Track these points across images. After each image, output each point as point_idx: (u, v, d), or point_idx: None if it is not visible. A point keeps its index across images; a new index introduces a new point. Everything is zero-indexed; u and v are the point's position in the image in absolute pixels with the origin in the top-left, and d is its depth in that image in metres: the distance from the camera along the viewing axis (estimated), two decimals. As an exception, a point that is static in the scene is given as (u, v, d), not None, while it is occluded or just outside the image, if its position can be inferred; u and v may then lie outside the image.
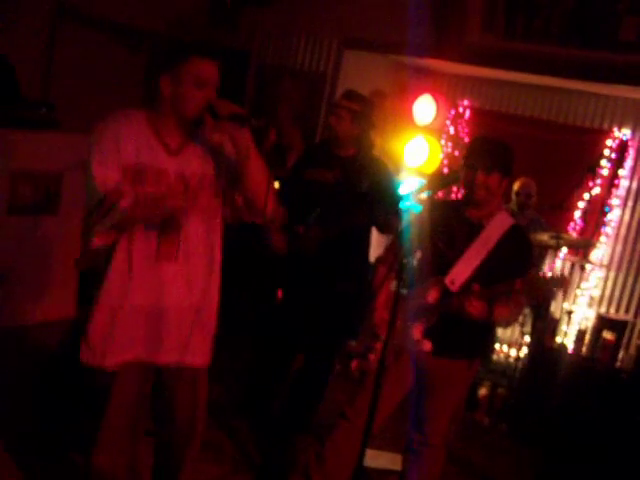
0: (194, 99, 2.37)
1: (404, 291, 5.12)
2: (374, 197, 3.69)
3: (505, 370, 5.22)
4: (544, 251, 5.21)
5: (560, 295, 5.54)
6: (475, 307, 2.94)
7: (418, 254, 3.26)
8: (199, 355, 2.61)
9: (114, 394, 2.59)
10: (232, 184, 2.53)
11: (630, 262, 5.55)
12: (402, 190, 3.68)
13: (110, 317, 2.48)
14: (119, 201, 2.28)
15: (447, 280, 3.02)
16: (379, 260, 3.44)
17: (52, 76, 5.27)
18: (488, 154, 3.03)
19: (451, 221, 3.18)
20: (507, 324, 3.29)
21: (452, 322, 3.04)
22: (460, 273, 3.04)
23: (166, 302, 2.50)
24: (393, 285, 2.97)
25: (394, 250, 3.25)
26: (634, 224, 5.54)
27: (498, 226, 3.07)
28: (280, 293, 3.89)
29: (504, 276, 2.96)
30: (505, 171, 3.04)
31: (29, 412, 3.67)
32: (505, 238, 3.05)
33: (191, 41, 2.44)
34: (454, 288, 3.01)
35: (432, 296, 3.05)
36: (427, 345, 3.06)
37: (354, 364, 3.22)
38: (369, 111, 3.81)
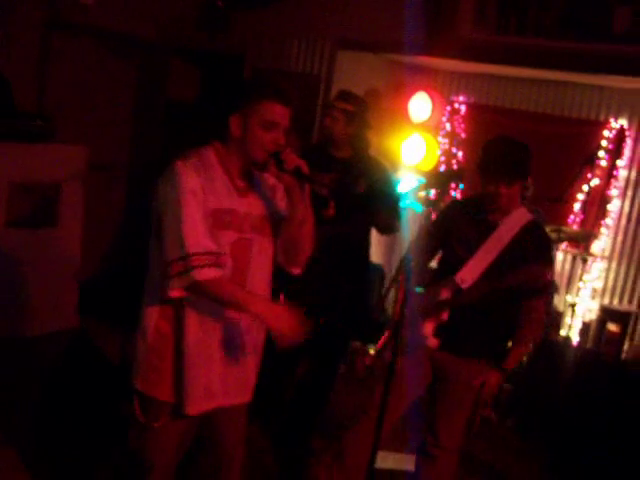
0: (262, 141, 2.34)
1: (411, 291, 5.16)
2: (372, 197, 3.67)
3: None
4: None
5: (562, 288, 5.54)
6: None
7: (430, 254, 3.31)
8: (250, 390, 2.62)
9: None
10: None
11: (632, 252, 5.54)
12: (401, 189, 3.69)
13: (197, 362, 2.41)
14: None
15: (457, 278, 3.03)
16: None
17: (46, 87, 5.26)
18: (510, 165, 2.96)
19: (466, 220, 3.17)
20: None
21: (467, 321, 3.05)
22: (470, 271, 3.04)
23: (237, 344, 2.48)
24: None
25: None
26: (634, 214, 5.54)
27: (514, 223, 3.05)
28: (282, 298, 3.87)
29: (522, 279, 2.94)
30: (525, 176, 3.04)
31: (32, 423, 3.66)
32: (521, 235, 3.03)
33: (266, 83, 2.40)
34: (464, 286, 3.02)
35: (444, 294, 3.05)
36: (433, 341, 3.07)
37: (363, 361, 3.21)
38: (364, 111, 3.80)
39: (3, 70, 4.70)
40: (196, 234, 2.25)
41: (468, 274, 3.03)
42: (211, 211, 2.32)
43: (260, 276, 2.49)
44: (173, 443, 2.51)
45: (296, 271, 2.61)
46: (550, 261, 3.17)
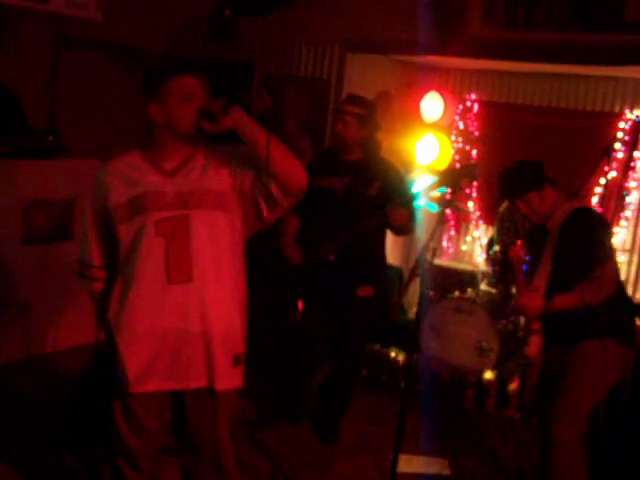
0: (185, 115, 2.43)
1: (428, 292, 5.14)
2: (386, 199, 3.66)
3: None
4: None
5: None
6: (526, 302, 3.13)
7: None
8: (225, 378, 2.55)
9: (139, 421, 2.58)
10: (261, 176, 2.48)
11: (653, 244, 5.47)
12: (415, 189, 3.67)
13: (136, 345, 2.47)
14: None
15: (532, 288, 3.19)
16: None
17: (58, 103, 5.28)
18: (509, 184, 3.33)
19: (531, 231, 3.50)
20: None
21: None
22: (540, 278, 3.22)
23: (182, 325, 2.46)
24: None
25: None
26: (654, 205, 5.47)
27: (557, 220, 3.21)
28: (300, 304, 3.87)
29: (581, 267, 3.08)
30: (536, 185, 3.23)
31: (58, 440, 3.66)
32: (565, 227, 3.17)
33: (164, 63, 2.55)
34: (540, 292, 3.16)
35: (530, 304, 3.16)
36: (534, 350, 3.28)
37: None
38: (373, 113, 3.81)
39: (14, 87, 4.73)
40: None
41: (540, 281, 3.20)
42: (124, 202, 2.46)
43: (209, 250, 2.48)
44: (135, 423, 2.58)
45: (299, 192, 2.54)
46: (604, 244, 3.19)
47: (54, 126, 5.13)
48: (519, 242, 3.17)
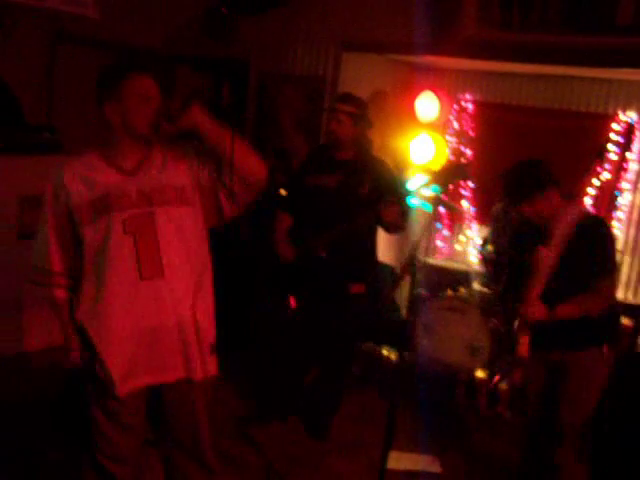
0: (141, 114, 2.43)
1: (420, 291, 5.16)
2: (378, 197, 3.69)
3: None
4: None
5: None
6: (532, 310, 3.08)
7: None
8: (202, 368, 2.59)
9: (120, 418, 2.60)
10: (222, 172, 2.51)
11: (644, 245, 5.50)
12: (409, 188, 3.69)
13: (114, 344, 2.48)
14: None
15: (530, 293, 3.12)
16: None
17: (54, 100, 5.29)
18: (515, 187, 3.21)
19: (525, 230, 3.38)
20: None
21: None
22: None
23: (157, 320, 2.48)
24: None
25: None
26: (646, 207, 5.49)
27: (564, 224, 3.11)
28: (292, 301, 3.89)
29: (585, 275, 3.05)
30: (539, 186, 3.14)
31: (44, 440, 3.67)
32: (579, 235, 3.08)
33: (117, 63, 2.52)
34: (535, 296, 3.11)
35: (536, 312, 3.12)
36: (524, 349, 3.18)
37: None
38: (365, 111, 3.84)
39: (11, 83, 4.74)
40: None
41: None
42: (87, 203, 2.45)
43: (177, 244, 2.50)
44: (116, 421, 2.58)
45: (260, 185, 2.56)
46: (610, 257, 3.17)
47: (50, 122, 5.14)
48: (542, 248, 3.11)
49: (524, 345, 3.17)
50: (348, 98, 3.86)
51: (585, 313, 3.07)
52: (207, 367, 2.60)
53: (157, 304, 2.47)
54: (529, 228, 3.33)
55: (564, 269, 3.10)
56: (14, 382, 4.24)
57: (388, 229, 3.87)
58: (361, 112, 3.80)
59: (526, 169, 3.22)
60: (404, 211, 3.70)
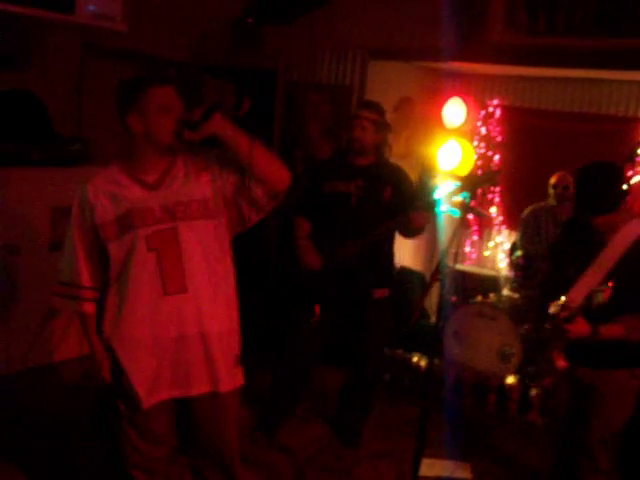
0: (163, 124, 2.43)
1: (450, 297, 5.14)
2: (397, 203, 3.71)
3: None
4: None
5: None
6: (577, 327, 2.91)
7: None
8: (228, 380, 2.60)
9: (149, 429, 2.63)
10: (244, 181, 2.50)
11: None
12: (437, 194, 3.69)
13: (139, 358, 2.51)
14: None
15: (567, 299, 2.94)
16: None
17: (84, 111, 5.36)
18: (604, 198, 2.95)
19: (574, 237, 3.16)
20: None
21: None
22: (579, 290, 2.96)
23: (180, 335, 2.49)
24: None
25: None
26: (678, 210, 5.42)
27: (625, 237, 2.92)
28: (317, 309, 3.88)
29: (635, 293, 2.90)
30: (625, 196, 2.97)
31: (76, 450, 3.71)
32: (634, 249, 2.90)
33: (136, 76, 2.50)
34: (573, 305, 2.93)
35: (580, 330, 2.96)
36: (561, 362, 3.10)
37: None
38: (385, 118, 3.88)
39: (42, 96, 4.81)
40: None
41: (577, 294, 2.95)
42: (111, 219, 2.47)
43: (199, 258, 2.50)
44: (145, 432, 2.63)
45: (281, 190, 2.54)
46: None
47: (80, 134, 5.21)
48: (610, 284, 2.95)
49: (561, 359, 3.10)
50: (371, 105, 3.90)
51: (629, 338, 2.92)
52: (233, 379, 2.62)
53: (180, 319, 2.48)
54: (573, 240, 3.18)
55: (618, 285, 2.92)
56: (47, 393, 4.29)
57: (408, 233, 3.86)
58: (383, 119, 3.84)
59: (614, 177, 3.00)
60: (433, 216, 3.70)
